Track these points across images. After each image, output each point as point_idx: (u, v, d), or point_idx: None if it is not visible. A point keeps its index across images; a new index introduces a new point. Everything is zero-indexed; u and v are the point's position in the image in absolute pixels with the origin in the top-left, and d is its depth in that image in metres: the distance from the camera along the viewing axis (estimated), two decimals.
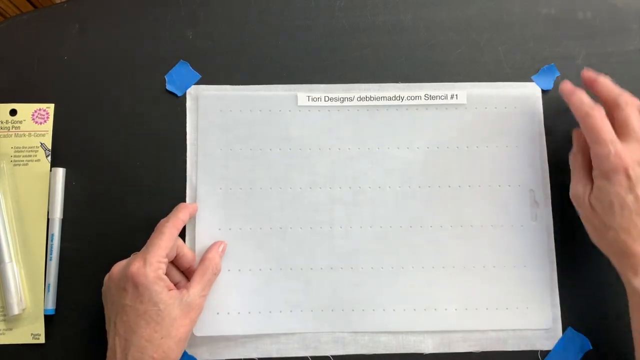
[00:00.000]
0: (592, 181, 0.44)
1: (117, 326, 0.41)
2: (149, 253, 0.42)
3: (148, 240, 0.43)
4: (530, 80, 0.52)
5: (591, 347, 0.47)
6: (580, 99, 0.46)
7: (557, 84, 0.51)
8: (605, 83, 0.46)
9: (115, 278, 0.42)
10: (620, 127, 0.44)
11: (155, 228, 0.44)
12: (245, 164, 0.49)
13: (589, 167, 0.45)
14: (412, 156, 0.50)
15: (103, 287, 0.44)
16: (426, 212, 0.49)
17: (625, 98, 0.45)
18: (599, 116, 0.44)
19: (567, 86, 0.47)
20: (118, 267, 0.43)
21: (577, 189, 0.45)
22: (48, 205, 0.48)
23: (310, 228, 0.49)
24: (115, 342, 0.41)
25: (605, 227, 0.43)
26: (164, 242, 0.43)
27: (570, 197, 0.46)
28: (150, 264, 0.41)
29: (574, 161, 0.47)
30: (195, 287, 0.44)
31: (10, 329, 0.47)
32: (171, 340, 0.41)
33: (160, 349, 0.40)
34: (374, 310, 0.48)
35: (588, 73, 0.48)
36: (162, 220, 0.45)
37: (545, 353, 0.48)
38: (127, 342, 0.40)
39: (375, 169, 0.50)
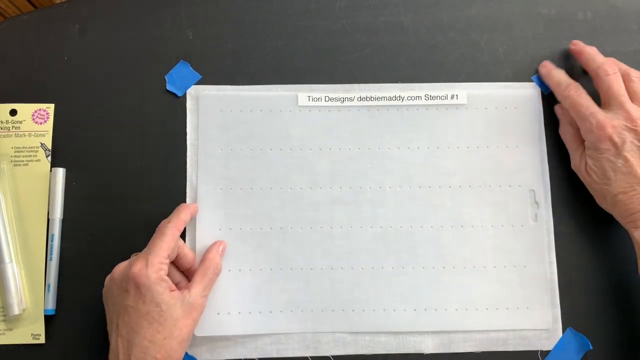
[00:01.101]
0: (585, 152, 0.47)
1: (119, 327, 0.41)
2: (151, 254, 0.42)
3: (150, 241, 0.43)
4: (530, 80, 0.52)
5: (591, 347, 0.47)
6: (557, 81, 0.49)
7: None
8: (589, 54, 0.49)
9: (116, 279, 0.42)
10: (603, 96, 0.47)
11: (157, 229, 0.44)
12: (245, 164, 0.49)
13: (580, 139, 0.48)
14: (412, 156, 0.50)
15: (104, 288, 0.44)
16: (426, 212, 0.49)
17: (605, 68, 0.47)
18: (575, 94, 0.47)
19: (544, 69, 0.51)
20: (119, 268, 0.43)
21: (574, 161, 0.48)
22: (48, 205, 0.48)
23: (311, 228, 0.49)
24: (117, 343, 0.41)
25: (606, 192, 0.46)
26: (165, 243, 0.43)
27: (572, 168, 0.49)
28: (152, 265, 0.41)
29: (564, 134, 0.49)
30: (197, 287, 0.44)
31: (11, 329, 0.47)
32: (174, 341, 0.41)
33: (163, 349, 0.40)
34: (374, 310, 0.48)
35: (575, 46, 0.50)
36: (163, 221, 0.45)
37: (545, 353, 0.48)
38: (129, 342, 0.40)
39: (375, 169, 0.50)
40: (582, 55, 0.49)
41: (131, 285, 0.41)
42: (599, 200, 0.48)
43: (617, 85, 0.46)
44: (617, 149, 0.45)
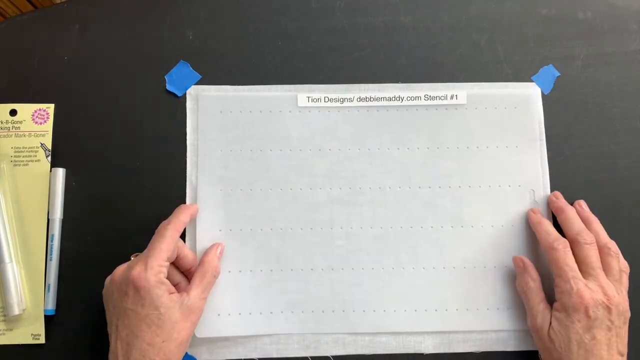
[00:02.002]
0: (550, 312, 0.44)
1: (118, 329, 0.41)
2: (151, 257, 0.42)
3: (149, 243, 0.43)
4: (530, 80, 0.52)
5: None
6: (546, 231, 0.47)
7: (557, 84, 0.51)
8: (570, 216, 0.47)
9: (116, 281, 0.42)
10: (581, 265, 0.45)
11: (157, 231, 0.44)
12: (245, 165, 0.49)
13: (542, 296, 0.45)
14: (412, 156, 0.50)
15: (104, 290, 0.44)
16: (426, 212, 0.49)
17: (584, 236, 0.45)
18: (563, 251, 0.45)
19: (534, 216, 0.48)
20: (120, 271, 0.43)
21: (536, 321, 0.45)
22: (48, 205, 0.48)
23: (311, 229, 0.49)
24: (117, 345, 0.41)
25: None
26: (165, 245, 0.43)
27: (529, 326, 0.46)
28: (152, 268, 0.41)
29: (525, 287, 0.46)
30: (195, 290, 0.44)
31: (11, 329, 0.47)
32: (172, 344, 0.41)
33: (161, 352, 0.40)
34: (374, 310, 0.48)
35: (556, 202, 0.48)
36: (163, 223, 0.44)
37: None
38: (129, 345, 0.40)
39: (375, 169, 0.50)
40: (562, 214, 0.47)
41: (130, 288, 0.41)
42: None
43: (595, 257, 0.45)
44: (590, 323, 0.42)
